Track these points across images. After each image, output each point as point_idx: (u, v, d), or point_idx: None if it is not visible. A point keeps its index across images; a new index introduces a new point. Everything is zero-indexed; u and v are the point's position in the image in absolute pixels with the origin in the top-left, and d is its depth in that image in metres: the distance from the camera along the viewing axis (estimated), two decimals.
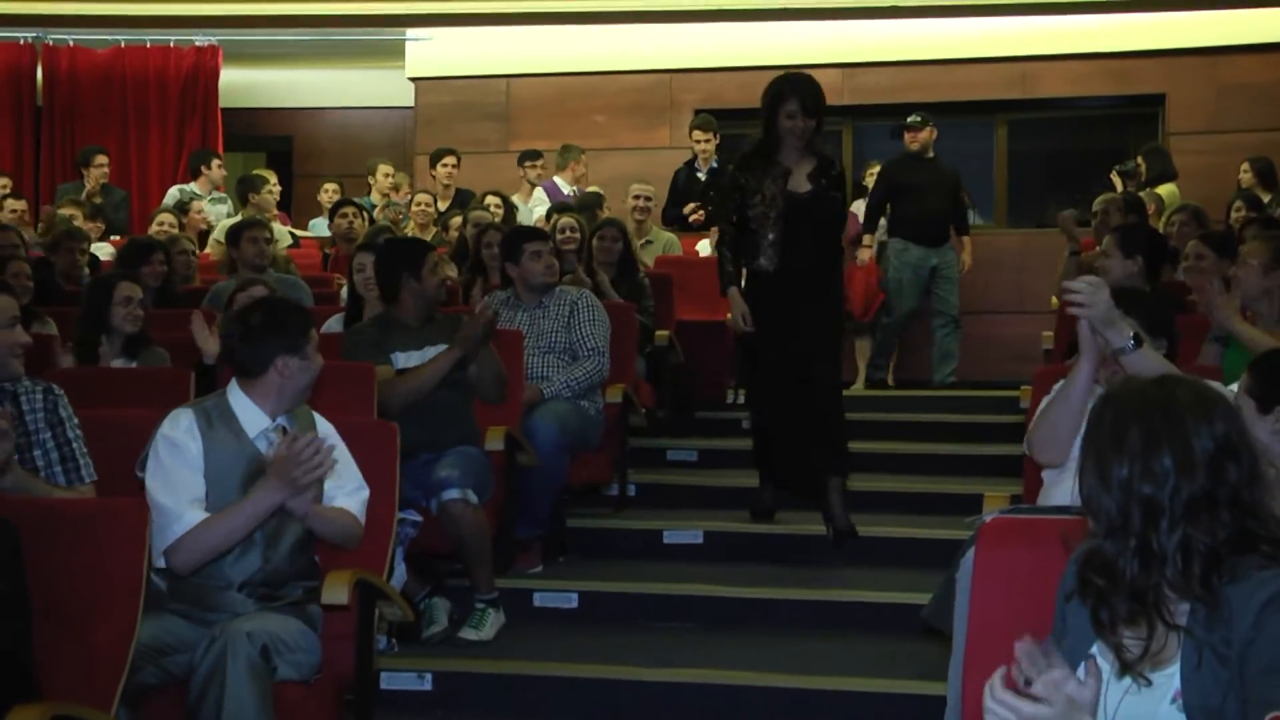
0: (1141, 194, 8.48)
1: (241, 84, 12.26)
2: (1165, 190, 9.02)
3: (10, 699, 2.74)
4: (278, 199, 9.93)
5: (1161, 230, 6.86)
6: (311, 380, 3.60)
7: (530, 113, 11.23)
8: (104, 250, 8.65)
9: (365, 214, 8.88)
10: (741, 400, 7.68)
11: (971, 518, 3.57)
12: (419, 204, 9.32)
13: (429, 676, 4.40)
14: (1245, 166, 8.99)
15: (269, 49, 12.02)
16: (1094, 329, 3.20)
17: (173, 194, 9.96)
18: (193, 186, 10.03)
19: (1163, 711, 2.11)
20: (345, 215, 8.67)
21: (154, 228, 8.62)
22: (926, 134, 8.73)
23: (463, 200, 9.54)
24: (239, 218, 8.71)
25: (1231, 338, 4.65)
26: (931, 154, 8.80)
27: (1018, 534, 2.82)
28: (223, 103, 11.92)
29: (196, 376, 4.94)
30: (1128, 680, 2.14)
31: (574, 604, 5.07)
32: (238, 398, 3.56)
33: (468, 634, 4.70)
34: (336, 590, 3.41)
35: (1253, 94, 10.12)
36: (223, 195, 10.02)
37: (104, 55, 11.90)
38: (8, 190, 9.39)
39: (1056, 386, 3.57)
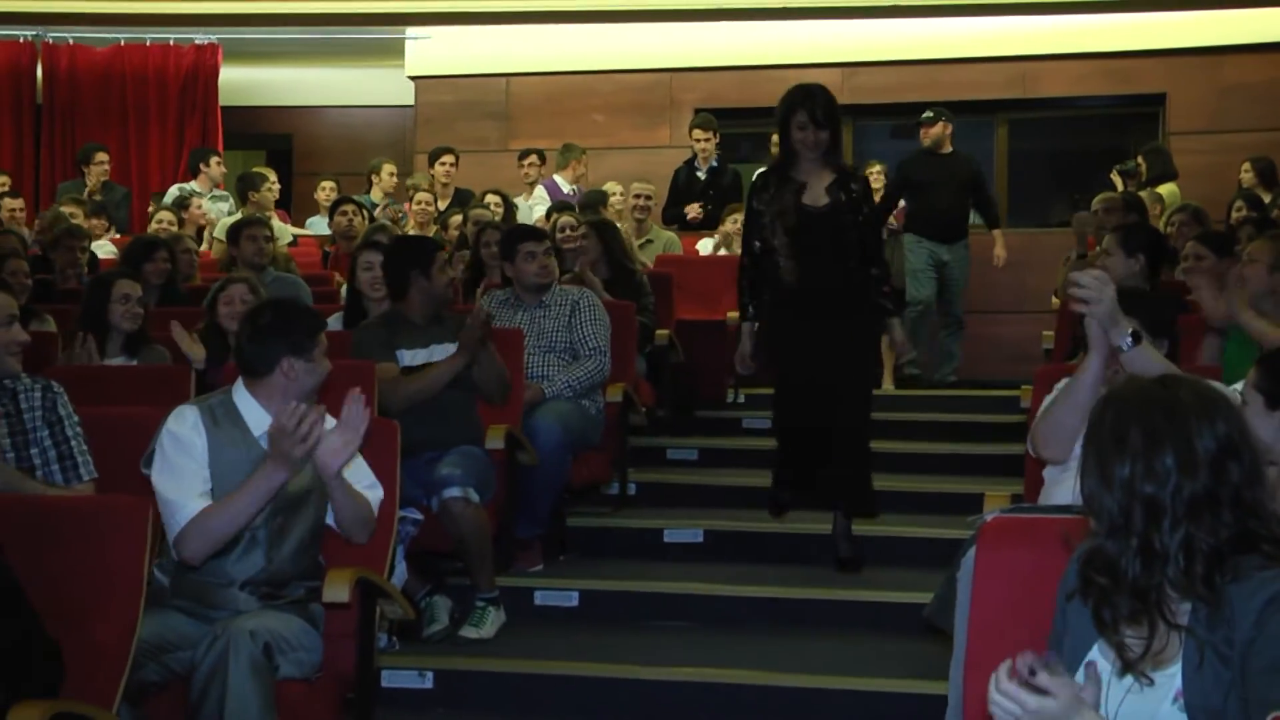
0: (1142, 194, 8.48)
1: (241, 82, 12.26)
2: (1166, 190, 9.03)
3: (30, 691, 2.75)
4: (277, 197, 9.93)
5: (1161, 230, 6.86)
6: (317, 383, 3.59)
7: (530, 112, 11.24)
8: (104, 248, 8.65)
9: (365, 212, 8.88)
10: (742, 400, 7.69)
11: (972, 517, 3.57)
12: (418, 203, 9.32)
13: (430, 675, 4.40)
14: (1246, 166, 9.00)
15: (269, 47, 12.02)
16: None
17: (172, 192, 9.96)
18: (193, 185, 10.03)
19: (1164, 711, 2.11)
20: (345, 213, 8.66)
21: (153, 225, 8.63)
22: (939, 129, 8.70)
23: (462, 199, 9.54)
24: (239, 215, 8.71)
25: (1232, 331, 4.66)
26: (948, 149, 8.75)
27: (1019, 533, 2.82)
28: (223, 101, 11.92)
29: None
30: (1129, 680, 2.14)
31: (574, 603, 5.06)
32: (243, 397, 3.56)
33: (468, 632, 4.70)
34: (337, 588, 3.41)
35: (1253, 94, 10.13)
36: (224, 193, 10.03)
37: (104, 53, 11.90)
38: (6, 188, 9.39)
39: (1059, 385, 3.57)
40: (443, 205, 9.57)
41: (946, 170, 8.63)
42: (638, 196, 8.76)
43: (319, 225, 9.97)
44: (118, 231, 9.51)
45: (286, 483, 3.39)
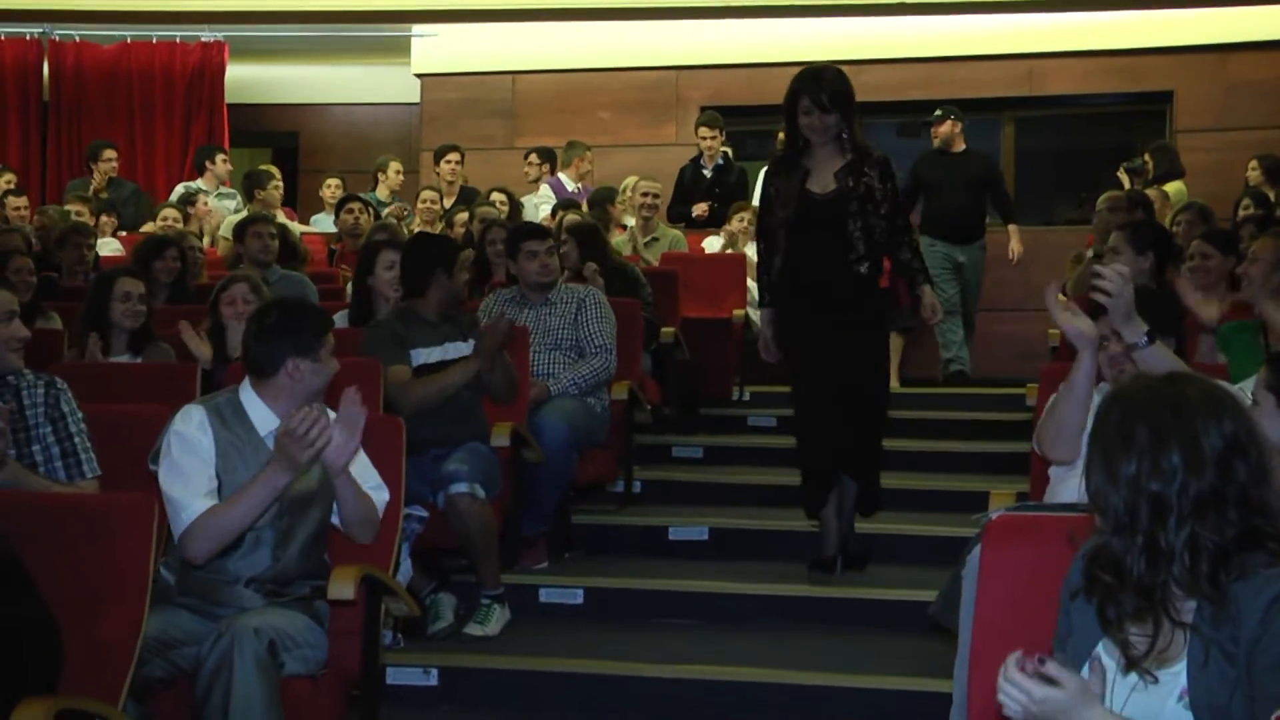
0: (1148, 191, 8.46)
1: (248, 80, 12.26)
2: (1172, 188, 9.01)
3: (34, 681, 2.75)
4: (283, 195, 9.94)
5: (1167, 228, 6.84)
6: (324, 384, 3.59)
7: (536, 109, 11.24)
8: (108, 246, 8.66)
9: (371, 209, 8.89)
10: (747, 398, 7.69)
11: (978, 515, 3.58)
12: (424, 200, 9.32)
13: (434, 672, 4.40)
14: (1253, 164, 8.98)
15: (275, 45, 12.03)
16: (1100, 323, 3.21)
17: (178, 190, 9.98)
18: (198, 183, 10.04)
19: (1169, 709, 2.11)
20: (351, 211, 8.66)
21: (159, 223, 8.64)
22: (948, 128, 8.66)
23: (467, 197, 9.54)
24: (245, 213, 8.72)
25: (1232, 333, 4.66)
26: (960, 148, 8.69)
27: (1024, 531, 2.82)
28: (229, 98, 11.92)
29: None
30: (1134, 677, 2.14)
31: (579, 600, 5.06)
32: (249, 396, 3.56)
33: (473, 630, 4.70)
34: (343, 585, 3.41)
35: (1261, 91, 10.11)
36: (230, 190, 10.04)
37: (110, 51, 11.90)
38: (12, 186, 9.41)
39: (1063, 384, 3.57)
40: (448, 203, 9.57)
41: (959, 169, 8.60)
42: (645, 195, 8.76)
43: (324, 223, 9.98)
44: (125, 229, 9.53)
45: (290, 484, 3.39)
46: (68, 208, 8.83)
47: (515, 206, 8.89)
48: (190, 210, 9.16)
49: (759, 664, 4.42)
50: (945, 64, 10.52)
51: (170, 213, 8.80)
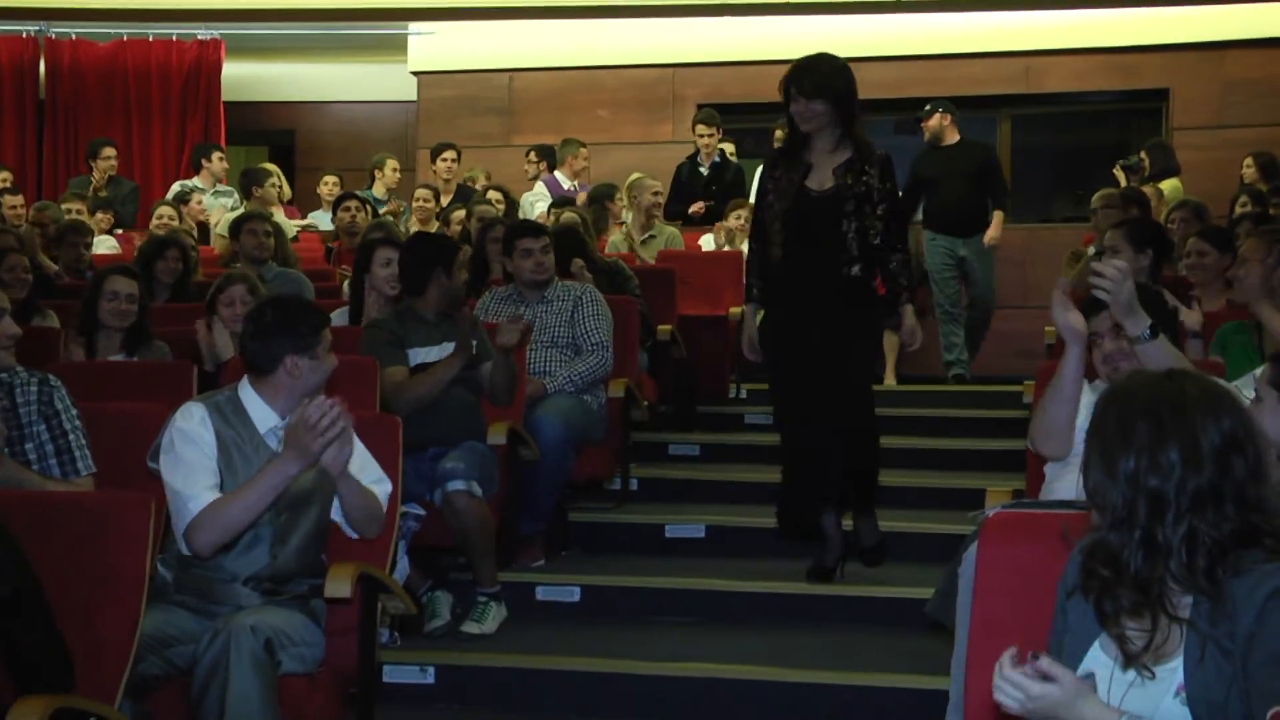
0: (1144, 189, 8.46)
1: (244, 78, 12.26)
2: (1168, 185, 9.01)
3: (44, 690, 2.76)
4: (286, 194, 9.93)
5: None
6: (322, 380, 3.59)
7: (533, 107, 11.24)
8: (104, 244, 8.66)
9: (368, 208, 8.88)
10: (744, 395, 7.69)
11: (974, 512, 3.58)
12: (419, 199, 9.31)
13: (431, 670, 4.40)
14: (1248, 161, 8.99)
15: (272, 43, 12.03)
16: (1111, 316, 3.23)
17: (174, 189, 9.97)
18: (194, 181, 10.04)
19: (1166, 704, 2.11)
20: (349, 209, 8.66)
21: (154, 222, 8.64)
22: (935, 121, 8.64)
23: (464, 195, 9.54)
24: (241, 210, 8.71)
25: (1232, 335, 4.67)
26: (952, 140, 8.66)
27: (1020, 529, 2.82)
28: (225, 96, 11.93)
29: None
30: (1131, 673, 2.14)
31: (576, 598, 5.06)
32: (249, 394, 3.56)
33: (470, 628, 4.70)
34: (339, 583, 3.41)
35: (1257, 89, 10.12)
36: (228, 188, 10.03)
37: (106, 49, 11.90)
38: (8, 184, 9.40)
39: (1052, 379, 3.58)
40: (445, 201, 9.57)
41: (954, 162, 8.57)
42: (656, 194, 8.76)
43: (322, 220, 9.97)
44: (123, 227, 9.52)
45: (297, 476, 3.39)
46: (65, 206, 8.82)
47: (511, 204, 8.88)
48: (184, 208, 9.16)
49: (756, 662, 4.42)
50: (942, 61, 10.52)
51: (165, 210, 8.80)
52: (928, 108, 8.72)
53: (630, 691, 4.33)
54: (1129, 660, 2.13)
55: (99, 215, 9.18)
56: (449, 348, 5.00)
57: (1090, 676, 2.12)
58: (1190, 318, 4.99)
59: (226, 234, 8.01)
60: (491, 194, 8.87)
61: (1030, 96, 10.69)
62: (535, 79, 11.25)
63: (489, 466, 4.81)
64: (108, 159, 10.06)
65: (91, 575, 3.10)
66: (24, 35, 11.79)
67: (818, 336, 4.79)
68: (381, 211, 9.14)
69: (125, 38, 11.86)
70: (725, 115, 9.65)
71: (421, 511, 4.69)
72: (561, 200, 8.94)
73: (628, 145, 10.80)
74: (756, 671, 4.34)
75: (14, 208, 8.83)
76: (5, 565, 2.82)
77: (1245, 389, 3.13)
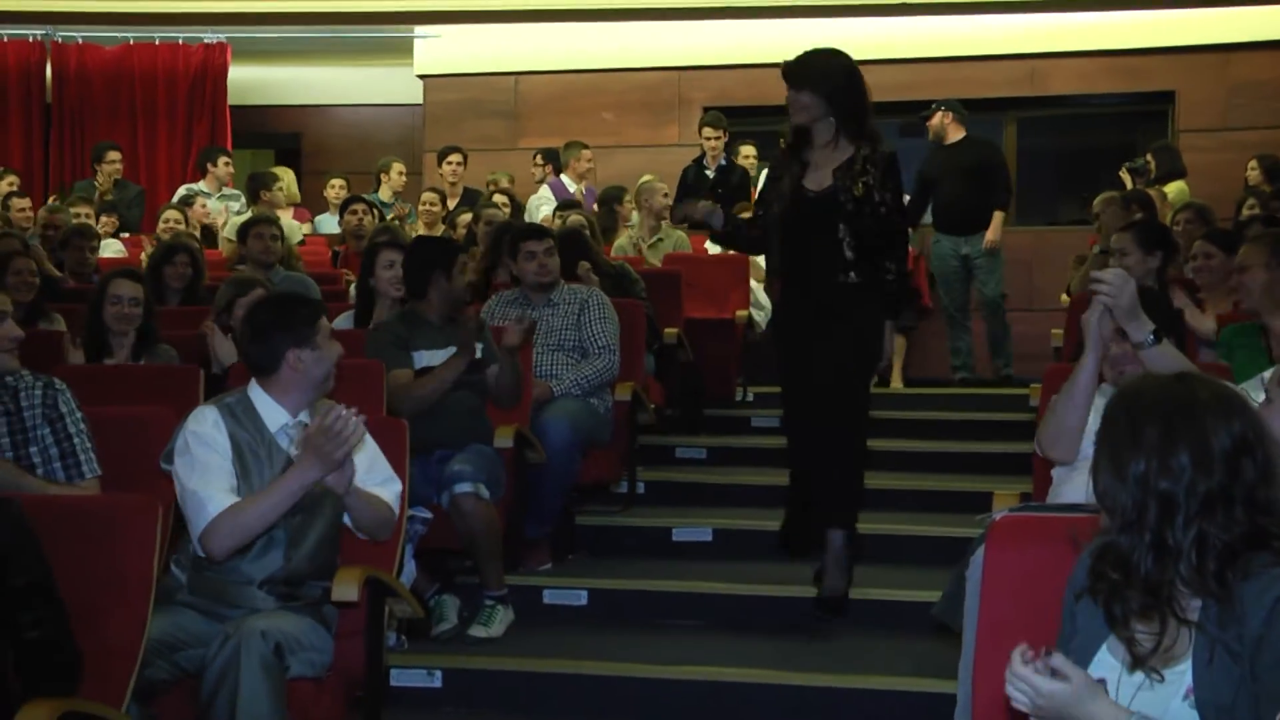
0: (1150, 191, 8.45)
1: (250, 81, 12.26)
2: (1174, 188, 9.00)
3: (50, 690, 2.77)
4: (296, 197, 9.93)
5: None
6: (328, 370, 3.59)
7: (538, 110, 11.24)
8: (110, 247, 8.67)
9: (375, 210, 8.88)
10: (751, 398, 7.69)
11: (981, 515, 3.57)
12: (425, 202, 9.32)
13: (438, 674, 4.40)
14: (1253, 164, 8.98)
15: (278, 46, 12.04)
16: (1113, 322, 3.22)
17: (180, 192, 9.98)
18: (201, 184, 10.05)
19: (1174, 707, 2.11)
20: (355, 212, 8.67)
21: (160, 226, 8.65)
22: (937, 120, 8.63)
23: (470, 198, 9.54)
24: (249, 214, 8.72)
25: (1234, 338, 4.66)
26: (955, 138, 8.64)
27: (1027, 532, 2.82)
28: (231, 100, 11.93)
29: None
30: (1140, 676, 2.14)
31: (583, 601, 5.07)
32: (258, 395, 3.57)
33: (477, 631, 4.70)
34: (346, 587, 3.41)
35: (1263, 92, 10.11)
36: (235, 192, 10.04)
37: (113, 52, 11.91)
38: (15, 188, 9.42)
39: (1065, 384, 3.57)
40: (451, 205, 9.57)
41: (955, 160, 8.56)
42: (665, 197, 8.75)
43: (329, 224, 9.98)
44: (129, 231, 9.53)
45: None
46: (72, 210, 8.83)
47: (517, 207, 8.88)
48: (189, 212, 9.16)
49: (763, 665, 4.42)
50: (948, 64, 10.51)
51: (171, 214, 8.80)
52: (932, 107, 8.72)
53: (637, 695, 4.33)
54: (1137, 663, 2.13)
55: (105, 219, 9.18)
56: (454, 350, 5.00)
57: (1100, 680, 2.12)
58: (1203, 325, 4.97)
59: (234, 238, 8.02)
60: (497, 197, 8.87)
61: (1036, 99, 10.68)
62: (541, 82, 11.26)
63: (496, 469, 4.81)
64: (113, 163, 10.06)
65: (98, 579, 3.10)
66: (31, 39, 11.79)
67: (817, 346, 4.67)
68: (388, 216, 9.15)
69: (131, 41, 11.86)
70: (731, 118, 9.64)
71: (428, 514, 4.69)
72: (566, 203, 8.94)
73: (634, 148, 10.80)
74: (763, 675, 4.34)
75: (22, 210, 8.85)
76: (23, 557, 2.84)
77: (1252, 391, 3.13)
